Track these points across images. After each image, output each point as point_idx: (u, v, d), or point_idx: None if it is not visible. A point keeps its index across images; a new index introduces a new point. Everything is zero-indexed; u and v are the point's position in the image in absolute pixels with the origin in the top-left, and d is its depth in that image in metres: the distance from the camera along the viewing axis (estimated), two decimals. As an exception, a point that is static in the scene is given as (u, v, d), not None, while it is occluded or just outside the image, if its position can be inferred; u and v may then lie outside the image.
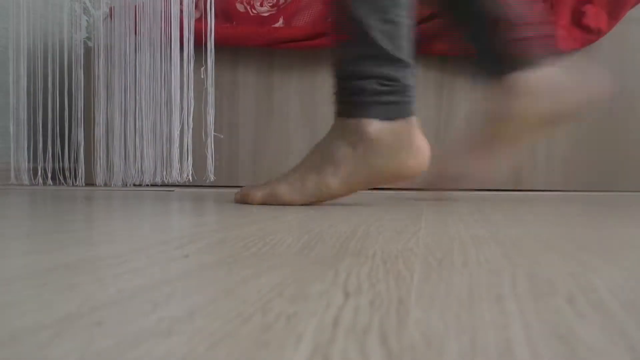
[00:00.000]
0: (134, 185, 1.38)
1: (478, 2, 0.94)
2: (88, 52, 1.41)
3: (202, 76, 1.36)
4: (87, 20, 1.43)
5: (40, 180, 1.42)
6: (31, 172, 1.42)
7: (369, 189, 0.88)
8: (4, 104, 1.43)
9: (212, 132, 1.36)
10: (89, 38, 1.44)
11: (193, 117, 1.36)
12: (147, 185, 1.37)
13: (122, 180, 1.39)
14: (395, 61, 0.81)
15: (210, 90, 1.36)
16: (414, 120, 0.84)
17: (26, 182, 1.41)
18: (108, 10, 1.41)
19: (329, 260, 0.35)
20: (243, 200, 0.86)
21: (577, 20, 1.37)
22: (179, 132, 1.37)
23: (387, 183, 0.85)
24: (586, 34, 1.38)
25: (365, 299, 0.25)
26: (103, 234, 0.49)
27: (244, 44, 1.43)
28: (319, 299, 0.25)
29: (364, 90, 0.81)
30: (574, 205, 0.92)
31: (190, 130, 1.36)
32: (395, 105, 0.82)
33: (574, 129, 1.42)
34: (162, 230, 0.52)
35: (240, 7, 1.49)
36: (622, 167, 1.43)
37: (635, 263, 0.37)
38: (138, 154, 1.38)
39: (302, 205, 0.83)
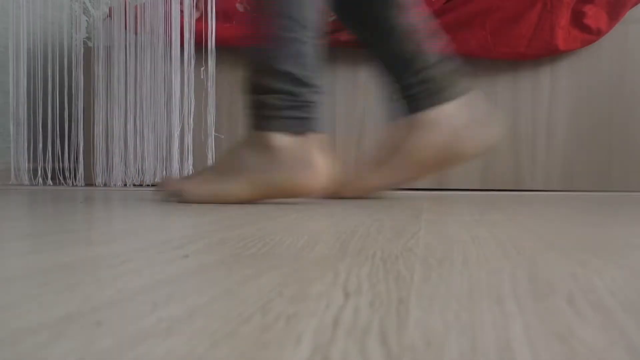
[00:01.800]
0: (134, 185, 1.38)
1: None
2: (88, 52, 1.41)
3: (202, 77, 1.36)
4: (87, 20, 1.43)
5: (40, 180, 1.42)
6: (31, 172, 1.42)
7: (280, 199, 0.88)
8: (4, 104, 1.43)
9: (213, 133, 1.36)
10: (89, 38, 1.44)
11: (193, 117, 1.37)
12: (148, 185, 1.37)
13: (122, 180, 1.39)
14: (297, 78, 0.82)
15: (211, 90, 1.36)
16: (316, 137, 0.84)
17: (26, 182, 1.41)
18: (108, 10, 1.41)
19: (329, 260, 0.35)
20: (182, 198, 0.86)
21: (577, 20, 1.37)
22: (179, 132, 1.37)
23: (283, 197, 0.85)
24: (586, 34, 1.38)
25: (365, 299, 0.25)
26: (103, 234, 0.49)
27: (244, 44, 1.43)
28: (319, 299, 0.25)
29: (265, 105, 0.83)
30: (573, 205, 0.92)
31: (191, 130, 1.36)
32: (294, 120, 0.83)
33: (574, 129, 1.42)
34: (162, 230, 0.52)
35: (240, 7, 1.49)
36: (622, 167, 1.43)
37: (635, 263, 0.37)
38: (138, 154, 1.38)
39: (199, 203, 0.83)
